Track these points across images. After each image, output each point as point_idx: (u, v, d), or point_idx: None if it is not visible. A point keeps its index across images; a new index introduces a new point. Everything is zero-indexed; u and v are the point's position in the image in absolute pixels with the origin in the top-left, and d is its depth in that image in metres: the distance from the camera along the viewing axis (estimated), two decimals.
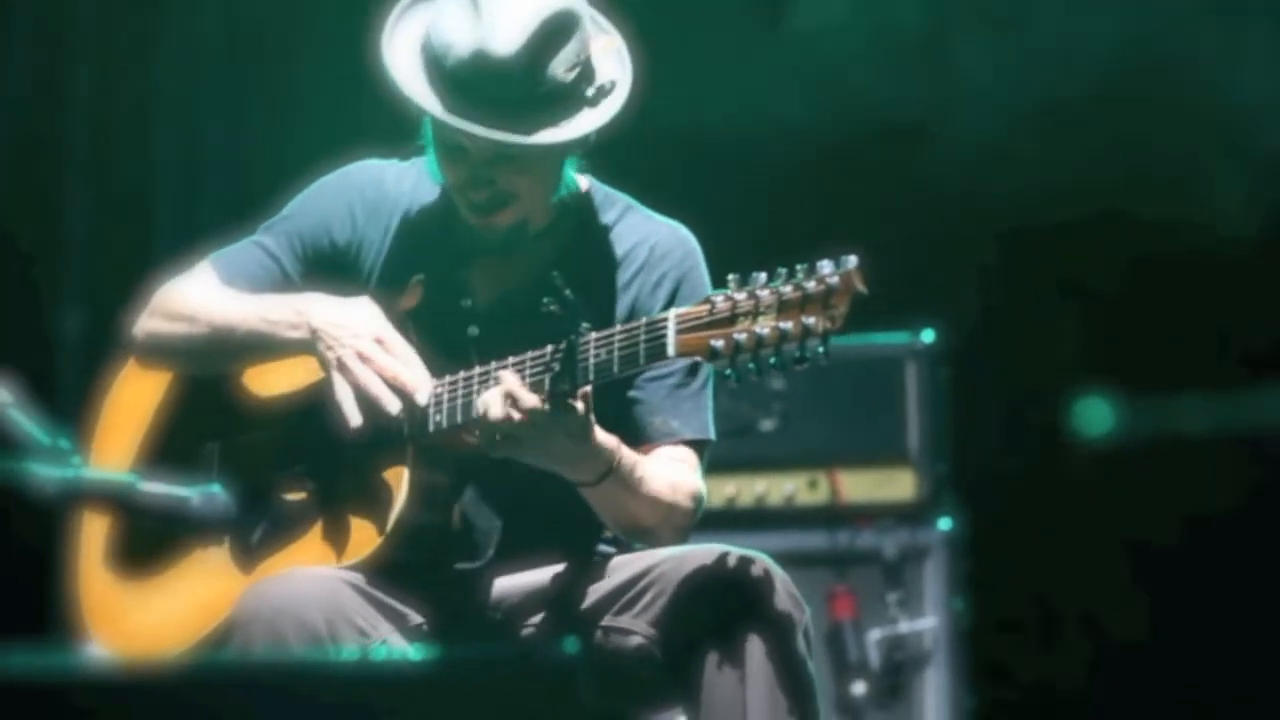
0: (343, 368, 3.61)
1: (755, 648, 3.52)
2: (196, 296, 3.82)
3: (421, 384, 3.60)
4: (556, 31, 3.60)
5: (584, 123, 3.64)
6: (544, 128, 3.61)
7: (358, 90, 5.88)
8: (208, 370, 3.83)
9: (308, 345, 3.67)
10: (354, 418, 3.60)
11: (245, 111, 6.48)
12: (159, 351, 3.87)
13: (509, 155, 3.63)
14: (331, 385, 3.63)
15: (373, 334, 3.63)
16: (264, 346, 3.74)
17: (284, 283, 3.80)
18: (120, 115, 6.40)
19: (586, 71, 3.65)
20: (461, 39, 3.59)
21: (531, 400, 3.46)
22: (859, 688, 5.78)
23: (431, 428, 3.61)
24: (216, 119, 6.54)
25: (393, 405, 3.59)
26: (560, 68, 3.61)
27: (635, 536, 3.69)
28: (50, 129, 6.38)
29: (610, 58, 3.69)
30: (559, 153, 3.68)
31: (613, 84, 3.67)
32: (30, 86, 6.30)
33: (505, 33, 3.58)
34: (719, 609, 3.54)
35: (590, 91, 3.65)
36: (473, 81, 3.59)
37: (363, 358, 3.61)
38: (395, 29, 3.70)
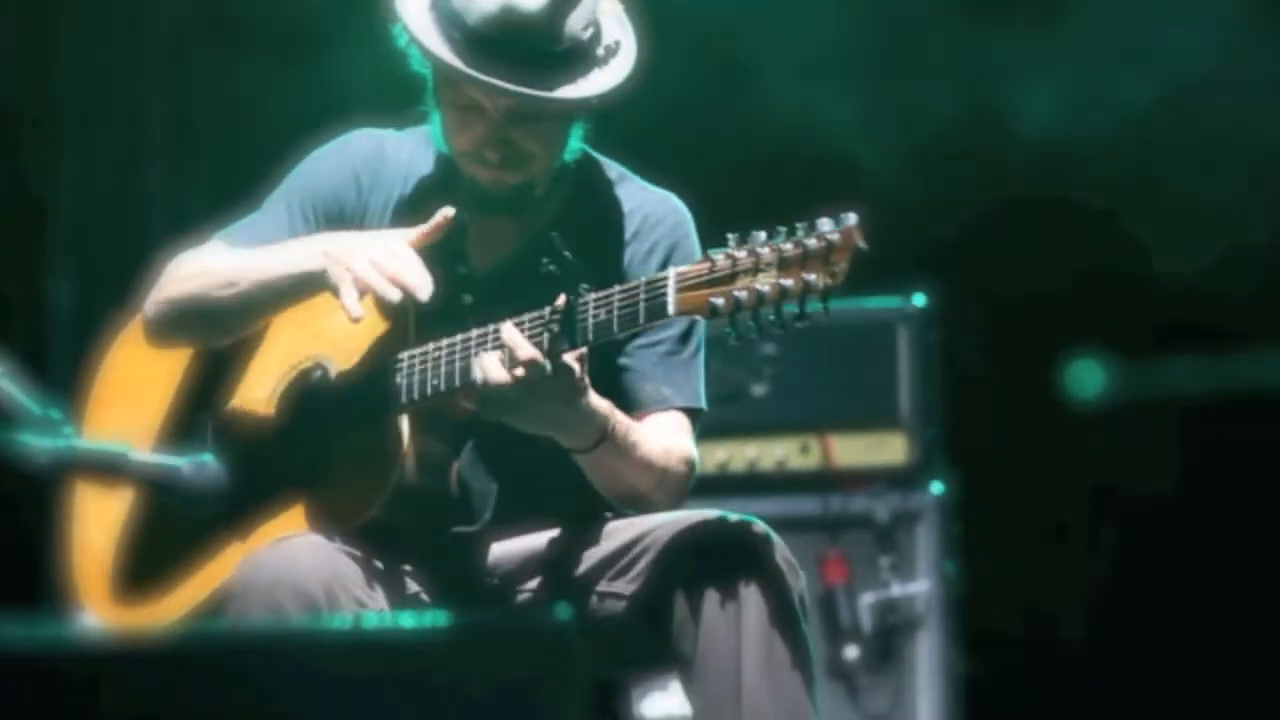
0: (350, 273, 3.57)
1: (751, 612, 3.53)
2: (207, 256, 3.78)
3: (422, 283, 3.56)
4: None
5: (601, 80, 3.65)
6: (564, 84, 3.61)
7: (352, 56, 5.93)
8: (221, 330, 3.77)
9: (320, 274, 3.61)
10: (354, 309, 3.55)
11: (235, 80, 6.46)
12: (172, 317, 3.79)
13: (527, 114, 3.63)
14: (339, 294, 3.58)
15: (385, 246, 3.60)
16: (278, 288, 3.67)
17: None
18: (110, 84, 6.39)
19: (597, 31, 3.66)
20: None
21: (530, 351, 3.46)
22: (851, 652, 5.79)
23: (430, 391, 3.60)
24: (207, 87, 6.53)
25: (392, 294, 3.55)
26: (578, 25, 3.62)
27: (629, 503, 3.69)
28: (39, 99, 6.36)
29: (611, 19, 3.70)
30: (573, 112, 3.68)
31: (617, 44, 3.68)
32: (16, 56, 6.29)
33: None
34: (714, 574, 3.55)
35: (600, 51, 3.66)
36: (497, 37, 3.58)
37: (371, 263, 3.58)
38: None
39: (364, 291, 3.55)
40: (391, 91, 3.80)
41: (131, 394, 3.88)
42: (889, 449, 5.92)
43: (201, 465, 3.04)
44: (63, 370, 4.75)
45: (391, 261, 3.55)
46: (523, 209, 3.75)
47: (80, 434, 3.19)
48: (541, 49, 3.59)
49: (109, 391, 3.91)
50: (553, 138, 3.69)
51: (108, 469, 3.03)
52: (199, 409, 3.82)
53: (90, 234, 6.30)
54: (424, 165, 3.83)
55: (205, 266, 3.76)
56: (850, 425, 5.93)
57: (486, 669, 2.47)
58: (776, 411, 5.93)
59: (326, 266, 3.60)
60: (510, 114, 3.63)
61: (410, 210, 3.79)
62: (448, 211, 3.63)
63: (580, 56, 3.64)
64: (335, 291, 3.58)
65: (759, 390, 5.93)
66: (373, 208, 3.81)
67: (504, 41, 3.58)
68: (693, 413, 3.78)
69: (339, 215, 3.80)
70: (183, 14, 6.46)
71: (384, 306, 3.58)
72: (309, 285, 3.65)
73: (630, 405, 3.70)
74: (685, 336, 3.77)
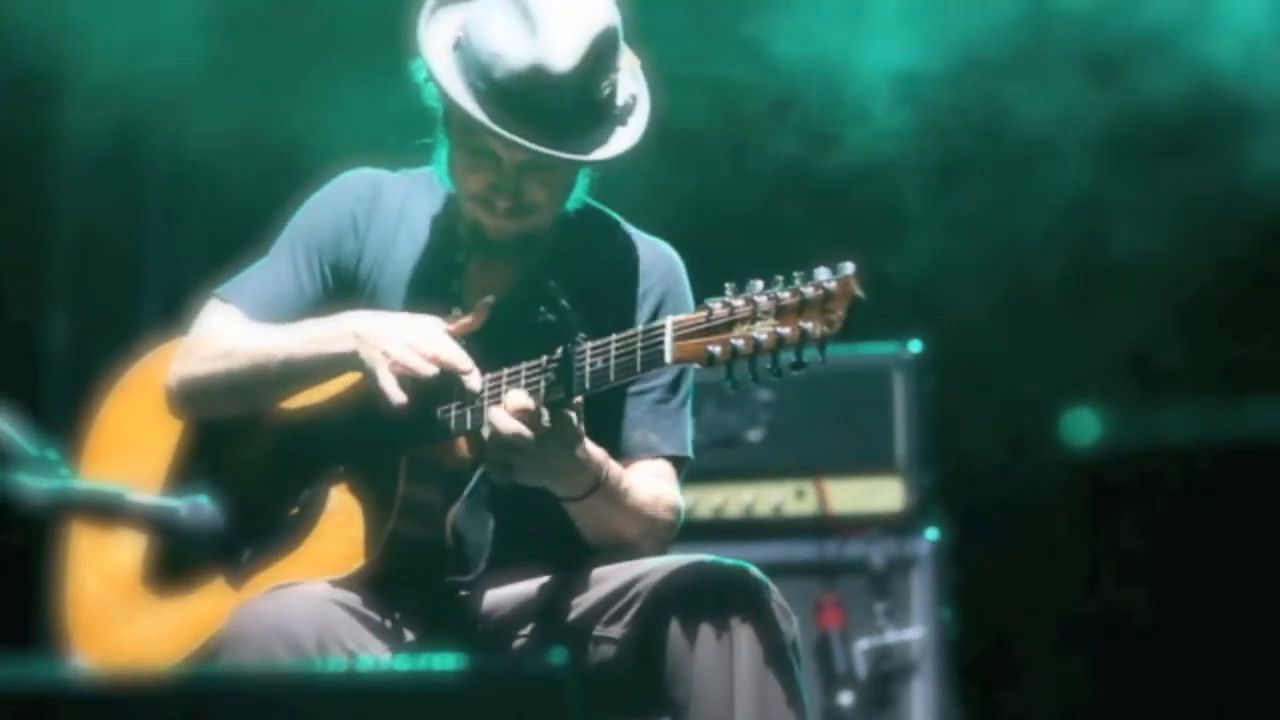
0: (386, 358, 3.57)
1: (744, 657, 3.52)
2: (230, 333, 3.78)
3: (463, 361, 3.55)
4: (607, 48, 3.61)
5: (623, 139, 3.65)
6: (590, 143, 3.62)
7: (348, 97, 5.93)
8: (250, 407, 3.76)
9: (352, 356, 3.61)
10: (395, 396, 3.55)
11: (233, 119, 6.47)
12: (198, 395, 3.79)
13: (541, 165, 3.63)
14: (375, 379, 3.58)
15: (422, 329, 3.60)
16: (306, 370, 3.68)
17: (307, 302, 3.78)
18: (107, 122, 6.39)
19: (614, 87, 3.66)
20: (515, 51, 3.58)
21: (528, 402, 3.46)
22: (846, 698, 5.78)
23: (426, 440, 3.60)
24: (203, 126, 6.53)
25: (428, 369, 3.53)
26: (604, 83, 3.63)
27: (615, 549, 3.69)
28: (37, 137, 6.37)
29: (626, 74, 3.70)
30: (584, 165, 3.69)
31: (633, 99, 3.68)
32: (13, 94, 6.29)
33: (563, 49, 3.57)
34: (707, 619, 3.54)
35: (617, 108, 3.66)
36: (524, 95, 3.58)
37: (407, 345, 3.58)
38: (429, 29, 3.68)
39: (402, 374, 3.55)
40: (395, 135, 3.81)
41: (129, 441, 3.87)
42: (885, 495, 5.92)
43: (198, 506, 3.04)
44: (58, 410, 4.74)
45: (428, 344, 3.56)
46: (513, 258, 3.75)
47: (77, 475, 3.18)
48: (566, 109, 3.59)
49: (107, 439, 3.90)
50: (559, 188, 3.70)
51: (105, 509, 3.03)
52: (196, 457, 3.81)
53: (84, 273, 6.30)
54: (420, 206, 3.83)
55: (230, 346, 3.75)
56: (846, 471, 5.93)
57: (482, 715, 2.47)
58: (772, 457, 5.93)
59: (358, 349, 3.60)
60: (525, 165, 3.63)
61: (406, 250, 3.80)
62: (489, 300, 3.63)
63: (601, 114, 3.64)
64: (369, 376, 3.59)
65: (755, 435, 5.93)
66: (369, 247, 3.81)
67: (530, 99, 3.58)
68: (679, 461, 3.79)
69: (340, 259, 3.81)
70: (183, 53, 6.46)
71: None
72: (339, 367, 3.65)
73: (618, 452, 3.70)
74: (675, 385, 3.78)
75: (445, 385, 3.57)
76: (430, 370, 3.54)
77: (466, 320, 3.63)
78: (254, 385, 3.72)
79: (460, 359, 3.56)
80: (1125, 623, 6.45)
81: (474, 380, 3.55)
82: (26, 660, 2.60)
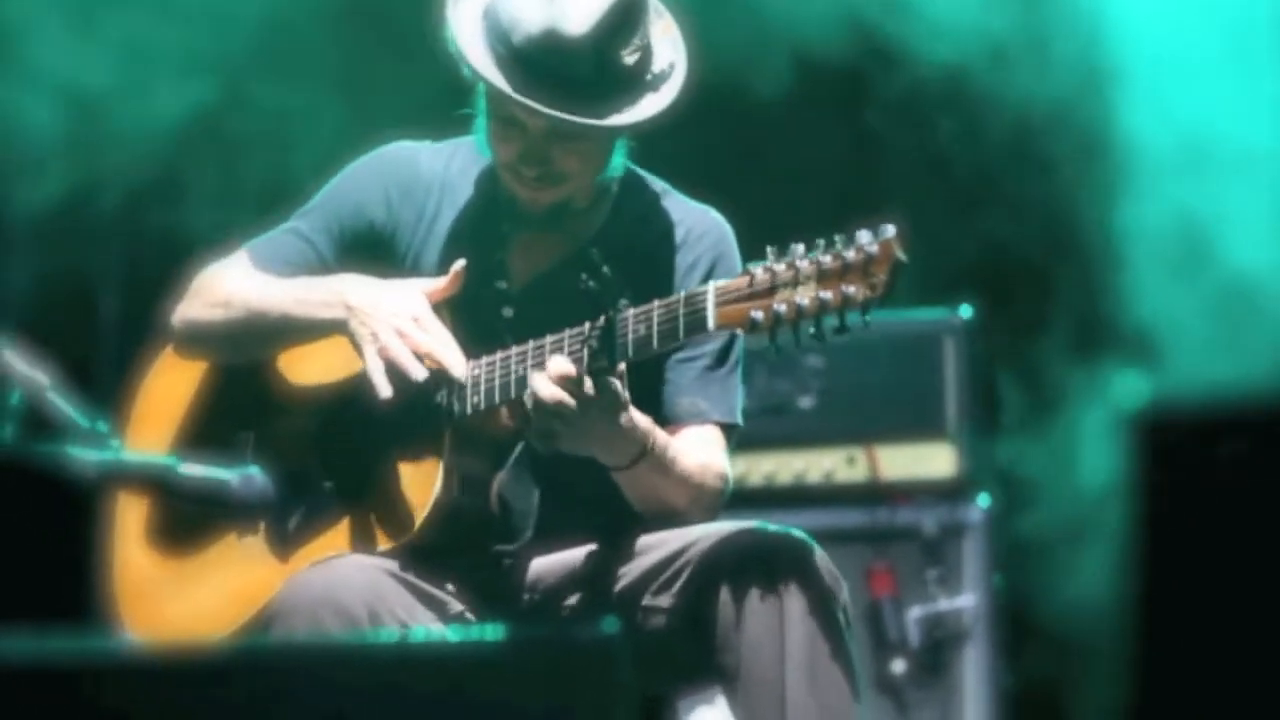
0: (375, 341, 3.61)
1: (794, 624, 3.52)
2: (232, 282, 3.81)
3: (455, 361, 3.59)
4: (625, 14, 3.60)
5: (648, 106, 3.64)
6: (610, 110, 3.61)
7: (394, 70, 5.93)
8: (244, 356, 3.82)
9: (341, 324, 3.66)
10: (384, 389, 3.59)
11: (282, 94, 6.47)
12: (196, 339, 3.86)
13: (567, 134, 3.63)
14: (363, 359, 3.62)
15: (409, 313, 3.62)
16: (298, 328, 3.73)
17: (321, 268, 3.80)
18: (155, 105, 6.41)
19: (647, 55, 3.65)
20: (532, 16, 3.59)
21: (571, 369, 3.46)
22: (898, 666, 5.77)
23: (470, 409, 3.61)
24: (254, 105, 6.54)
25: (420, 373, 3.57)
26: (625, 50, 3.61)
27: (663, 518, 3.68)
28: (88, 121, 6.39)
29: (666, 41, 3.69)
30: (617, 135, 3.68)
31: (671, 67, 3.67)
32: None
33: (577, 13, 3.57)
34: (756, 586, 3.54)
35: (650, 75, 3.65)
36: (541, 59, 3.58)
37: (398, 333, 3.60)
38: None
39: (390, 365, 3.57)
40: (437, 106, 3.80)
41: (174, 413, 3.89)
42: (936, 461, 5.90)
43: (249, 478, 3.05)
44: (109, 382, 4.75)
45: (419, 334, 3.57)
46: (563, 224, 3.75)
47: (126, 447, 3.19)
48: (586, 74, 3.59)
49: (152, 409, 3.92)
50: (592, 157, 3.69)
51: (155, 481, 3.04)
52: (242, 426, 3.83)
53: (135, 247, 6.32)
54: (462, 177, 3.84)
55: (228, 296, 3.79)
56: (897, 437, 5.91)
57: (534, 684, 2.46)
58: (823, 424, 5.92)
59: (348, 319, 3.64)
60: (549, 133, 3.63)
61: (447, 222, 3.80)
62: (460, 265, 3.64)
63: (626, 81, 3.63)
64: (357, 351, 3.62)
65: (806, 402, 5.92)
66: (405, 220, 3.81)
67: (547, 63, 3.58)
68: (728, 428, 3.77)
69: (368, 230, 3.82)
70: (227, 32, 6.47)
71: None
72: (330, 331, 3.69)
73: (666, 418, 3.69)
74: (724, 352, 3.76)
75: (432, 375, 3.60)
76: (421, 375, 3.56)
77: (444, 284, 3.64)
78: (249, 337, 3.78)
79: (453, 361, 3.58)
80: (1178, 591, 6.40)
81: (458, 371, 3.57)
82: (76, 635, 2.61)
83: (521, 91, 3.58)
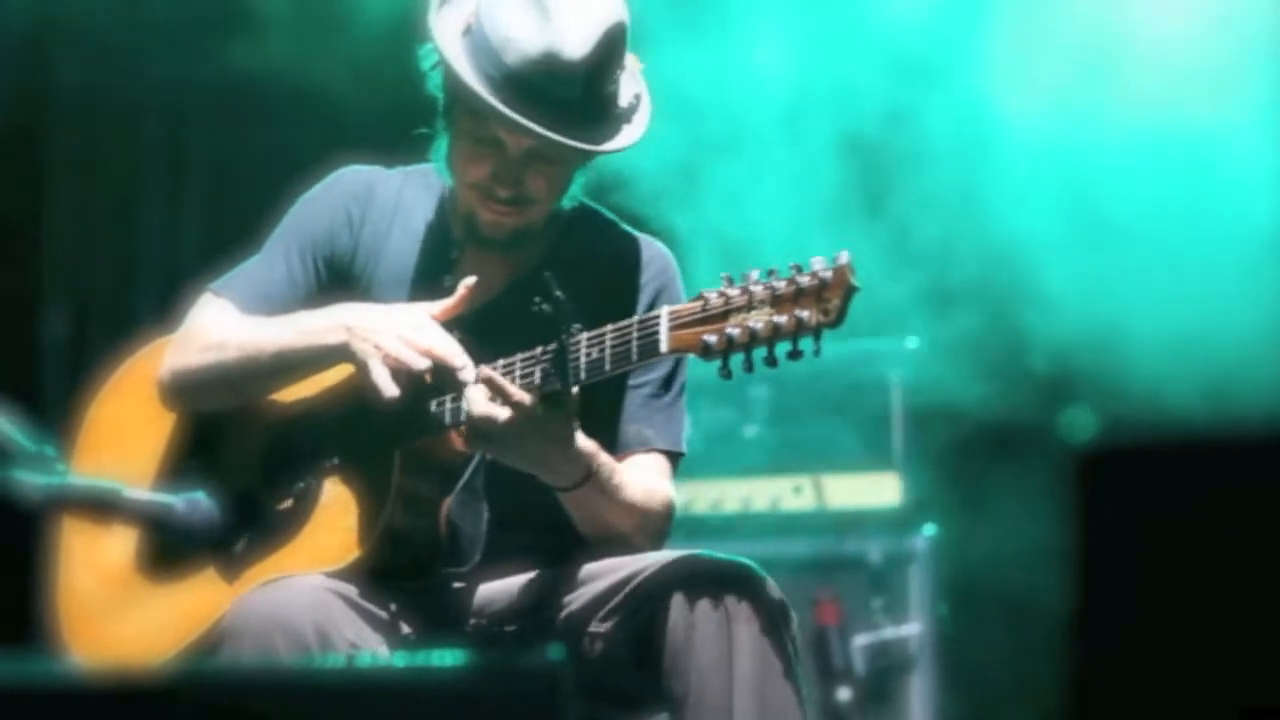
0: (377, 352, 3.58)
1: (743, 652, 3.52)
2: (221, 324, 3.79)
3: (462, 361, 3.56)
4: (617, 41, 3.63)
5: (628, 134, 3.66)
6: (595, 135, 3.63)
7: (348, 91, 5.93)
8: (239, 399, 3.78)
9: (343, 348, 3.63)
10: (389, 389, 3.57)
11: (230, 115, 6.47)
12: (190, 387, 3.80)
13: (545, 157, 3.64)
14: (367, 373, 3.59)
15: (413, 324, 3.61)
16: (297, 362, 3.70)
17: (300, 296, 3.79)
18: (105, 116, 6.39)
19: (618, 85, 3.67)
20: (528, 37, 3.59)
21: (517, 394, 3.46)
22: (844, 693, 5.78)
23: (421, 432, 3.61)
24: (202, 121, 6.54)
25: (421, 363, 3.55)
26: (610, 79, 3.63)
27: (610, 544, 3.68)
28: (34, 130, 6.37)
29: (628, 74, 3.70)
30: (589, 160, 3.69)
31: (637, 98, 3.70)
32: (13, 87, 6.29)
33: (575, 37, 3.59)
34: (705, 613, 3.54)
35: (623, 104, 3.66)
36: (536, 81, 3.59)
37: (400, 339, 3.59)
38: (440, 14, 3.68)
39: (395, 368, 3.55)
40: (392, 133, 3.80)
41: (122, 437, 3.87)
42: (883, 490, 5.92)
43: (195, 502, 3.04)
44: (56, 406, 4.73)
45: (420, 336, 3.56)
46: (512, 249, 3.75)
47: (73, 471, 3.18)
48: (574, 97, 3.60)
49: (100, 434, 3.90)
50: (558, 182, 3.70)
51: (101, 506, 3.03)
52: (190, 452, 3.81)
53: (82, 267, 6.30)
54: (415, 202, 3.84)
55: (221, 338, 3.76)
56: (844, 466, 5.93)
57: (479, 713, 2.46)
58: (770, 452, 5.93)
59: (349, 341, 3.61)
60: (527, 154, 3.64)
61: (401, 246, 3.80)
62: (469, 281, 3.63)
63: (607, 108, 3.65)
64: (360, 368, 3.59)
65: (752, 431, 5.93)
66: (364, 243, 3.82)
67: (541, 86, 3.59)
68: (673, 456, 3.79)
69: (334, 254, 3.81)
70: (182, 50, 6.46)
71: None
72: (331, 359, 3.66)
73: (612, 445, 3.70)
74: (669, 380, 3.78)
75: (438, 378, 3.57)
76: (422, 364, 3.55)
77: (451, 304, 3.63)
78: (246, 377, 3.73)
79: (453, 352, 3.56)
80: (1123, 619, 6.43)
81: (468, 373, 3.55)
82: (21, 658, 2.59)
83: (514, 111, 3.58)
